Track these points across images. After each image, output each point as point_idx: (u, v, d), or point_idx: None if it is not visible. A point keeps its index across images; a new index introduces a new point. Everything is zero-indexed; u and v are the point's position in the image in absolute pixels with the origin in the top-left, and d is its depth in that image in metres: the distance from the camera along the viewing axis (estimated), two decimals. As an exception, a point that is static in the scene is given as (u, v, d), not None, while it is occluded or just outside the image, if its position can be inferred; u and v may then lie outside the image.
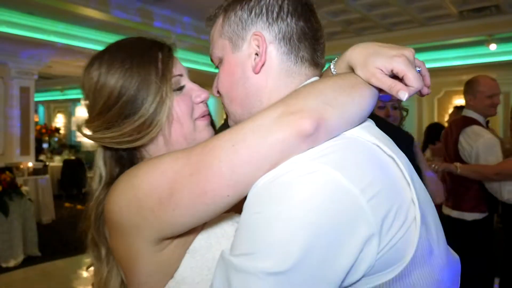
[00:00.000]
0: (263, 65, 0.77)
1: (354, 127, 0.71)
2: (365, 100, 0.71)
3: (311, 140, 0.65)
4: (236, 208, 0.69)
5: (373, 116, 0.80)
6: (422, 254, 0.66)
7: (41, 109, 16.55)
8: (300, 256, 0.58)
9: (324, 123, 0.65)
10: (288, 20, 0.76)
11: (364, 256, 0.61)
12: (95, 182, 0.93)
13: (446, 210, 2.96)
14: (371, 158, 0.67)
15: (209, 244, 0.81)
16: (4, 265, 4.98)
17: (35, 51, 7.25)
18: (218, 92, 0.87)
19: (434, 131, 4.67)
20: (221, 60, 0.82)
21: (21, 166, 7.07)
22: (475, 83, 2.89)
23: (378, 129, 0.77)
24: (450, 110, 6.05)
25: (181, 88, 0.90)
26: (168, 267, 0.79)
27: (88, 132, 0.89)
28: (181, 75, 0.91)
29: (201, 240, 0.82)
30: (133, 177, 0.75)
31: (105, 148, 0.92)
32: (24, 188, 5.74)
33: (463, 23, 6.82)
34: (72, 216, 8.03)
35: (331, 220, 0.60)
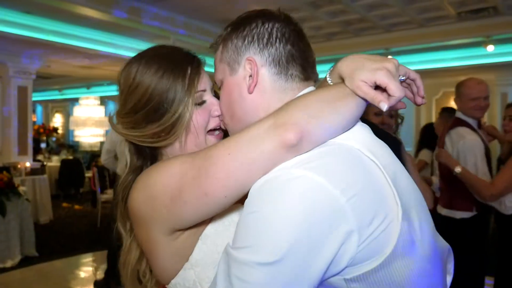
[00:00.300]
0: (255, 85, 0.87)
1: (341, 134, 0.80)
2: (349, 111, 0.79)
3: (295, 150, 0.74)
4: (243, 200, 0.78)
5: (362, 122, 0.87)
6: (403, 247, 0.73)
7: (39, 108, 16.52)
8: (287, 249, 0.68)
9: (307, 135, 0.74)
10: (277, 45, 0.87)
11: (346, 249, 0.70)
12: (121, 167, 1.10)
13: (438, 208, 2.98)
14: (353, 162, 0.76)
15: (218, 232, 0.93)
16: (1, 265, 4.96)
17: (33, 50, 7.24)
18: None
19: (429, 132, 4.65)
20: (222, 82, 0.94)
21: (19, 166, 7.05)
22: (460, 85, 2.95)
23: (369, 133, 0.86)
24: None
25: (202, 103, 1.01)
26: (183, 252, 0.91)
27: (118, 127, 1.02)
28: (204, 90, 1.02)
29: (212, 228, 0.93)
30: (148, 178, 0.88)
31: (131, 141, 1.04)
32: (22, 188, 5.73)
33: (461, 24, 6.84)
34: (69, 216, 8.02)
35: (314, 219, 0.69)
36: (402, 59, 9.00)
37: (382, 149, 0.83)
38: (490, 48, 6.99)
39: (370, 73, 0.79)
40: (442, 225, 2.72)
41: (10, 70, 7.34)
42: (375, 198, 0.73)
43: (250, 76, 0.87)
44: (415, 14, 6.61)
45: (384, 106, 0.77)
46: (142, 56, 1.02)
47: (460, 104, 2.95)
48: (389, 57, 0.84)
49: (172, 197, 0.81)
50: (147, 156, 1.04)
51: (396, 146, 1.98)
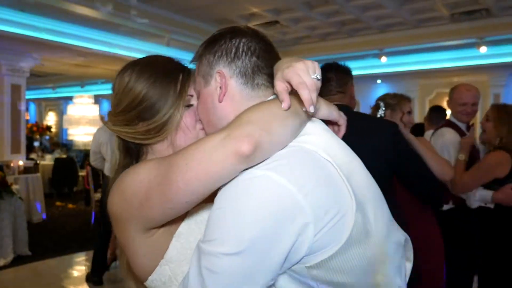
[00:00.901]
0: (225, 94, 0.97)
1: (288, 143, 0.88)
2: (295, 127, 0.89)
3: (248, 161, 0.81)
4: (213, 198, 0.85)
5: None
6: (357, 236, 0.83)
7: (32, 107, 16.41)
8: (250, 241, 0.77)
9: (259, 147, 0.80)
10: (243, 58, 0.96)
11: (303, 240, 0.80)
12: (108, 168, 1.20)
13: None
14: (309, 162, 0.85)
15: (191, 229, 1.00)
16: (-6, 264, 4.94)
17: (27, 48, 7.20)
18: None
19: (418, 131, 4.69)
20: (199, 93, 1.05)
21: (12, 165, 7.01)
22: (452, 90, 3.13)
23: (329, 136, 0.95)
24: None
25: (190, 106, 1.11)
26: (159, 249, 0.98)
27: (110, 123, 1.09)
28: (192, 96, 1.10)
29: (185, 226, 1.01)
30: (122, 182, 0.95)
31: (120, 139, 1.11)
32: (15, 187, 5.69)
33: (455, 26, 6.90)
34: (63, 215, 7.98)
35: (274, 214, 0.78)
36: (396, 60, 9.06)
37: (340, 150, 0.93)
38: (483, 49, 7.06)
39: (280, 72, 0.89)
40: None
41: (3, 68, 7.28)
42: (329, 193, 0.82)
43: (221, 87, 0.97)
44: (408, 15, 6.65)
45: (283, 105, 0.85)
46: (136, 63, 1.11)
47: (451, 107, 3.15)
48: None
49: (141, 201, 0.89)
50: (134, 153, 1.13)
51: (394, 129, 2.06)
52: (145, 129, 1.05)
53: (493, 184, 2.65)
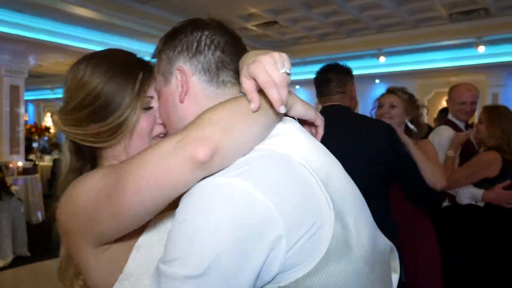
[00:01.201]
0: (186, 93, 0.87)
1: (255, 146, 0.77)
2: (263, 127, 0.77)
3: (206, 167, 0.70)
4: (176, 206, 0.75)
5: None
6: (337, 249, 0.72)
7: (31, 107, 16.38)
8: (213, 260, 0.66)
9: (219, 151, 0.70)
10: (205, 52, 0.86)
11: (275, 256, 0.68)
12: (63, 167, 1.02)
13: None
14: (281, 166, 0.74)
15: (153, 241, 0.91)
16: (-7, 265, 4.93)
17: (25, 49, 7.19)
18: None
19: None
20: (159, 93, 0.95)
21: (11, 165, 6.99)
22: (452, 89, 3.18)
23: (303, 136, 0.83)
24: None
25: (149, 108, 0.99)
26: (116, 264, 0.88)
27: (60, 123, 0.98)
28: (152, 97, 1.00)
29: (146, 237, 0.91)
30: (71, 192, 0.86)
31: (72, 140, 1.00)
32: (14, 188, 5.69)
33: (453, 26, 6.91)
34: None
35: (241, 226, 0.67)
36: (394, 60, 9.04)
37: (316, 152, 0.81)
38: (481, 49, 7.07)
39: (246, 67, 0.78)
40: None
41: (2, 69, 7.27)
42: (304, 202, 0.72)
43: (182, 86, 0.87)
44: (407, 15, 6.66)
45: (253, 106, 0.75)
46: (93, 56, 1.00)
47: (450, 106, 3.20)
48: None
49: (90, 215, 0.80)
50: (87, 157, 1.01)
51: (391, 131, 2.06)
52: (96, 131, 0.95)
53: (483, 183, 2.68)
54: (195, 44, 0.87)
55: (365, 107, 3.76)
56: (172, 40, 0.90)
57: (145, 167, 0.73)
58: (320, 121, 0.93)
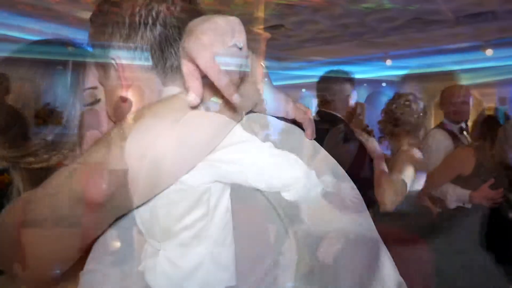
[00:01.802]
0: (128, 88, 0.69)
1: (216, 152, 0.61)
2: (206, 138, 0.59)
3: (105, 210, 0.56)
4: None
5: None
6: None
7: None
8: None
9: (122, 188, 0.53)
10: (142, 30, 0.67)
11: None
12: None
13: None
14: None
15: None
16: (-1, 267, 4.94)
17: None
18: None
19: None
20: (103, 85, 0.77)
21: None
22: (443, 91, 3.18)
23: (260, 148, 0.67)
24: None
25: (96, 102, 0.76)
26: None
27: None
28: (95, 88, 0.76)
29: None
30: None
31: (16, 167, 0.82)
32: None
33: (460, 29, 6.87)
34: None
35: None
36: (401, 63, 9.00)
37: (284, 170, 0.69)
38: (489, 52, 7.02)
39: (187, 45, 0.55)
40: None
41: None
42: None
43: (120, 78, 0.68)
44: (413, 19, 6.64)
45: (194, 100, 0.54)
46: (9, 56, 0.77)
47: (443, 108, 3.17)
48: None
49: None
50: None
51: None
52: (36, 148, 0.72)
53: (459, 182, 2.63)
54: (126, 21, 0.64)
55: (372, 110, 3.75)
56: (100, 20, 0.67)
57: (38, 203, 0.58)
58: (302, 115, 0.72)
